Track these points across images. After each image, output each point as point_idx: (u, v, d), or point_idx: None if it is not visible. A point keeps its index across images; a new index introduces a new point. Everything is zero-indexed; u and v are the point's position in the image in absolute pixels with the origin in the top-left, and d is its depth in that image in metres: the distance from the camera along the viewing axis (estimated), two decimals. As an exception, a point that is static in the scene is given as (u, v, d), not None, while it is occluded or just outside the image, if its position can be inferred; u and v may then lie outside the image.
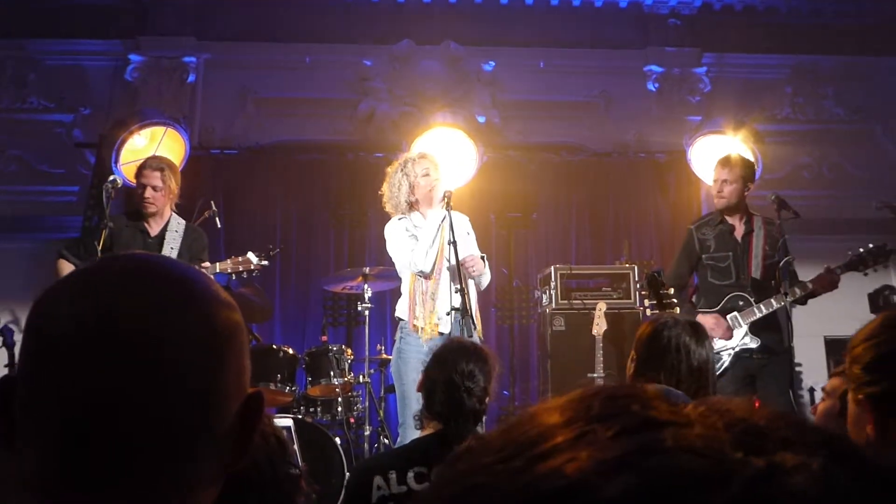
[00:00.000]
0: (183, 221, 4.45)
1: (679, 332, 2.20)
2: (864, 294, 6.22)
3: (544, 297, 5.57)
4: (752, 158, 5.99)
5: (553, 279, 5.45)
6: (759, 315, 4.14)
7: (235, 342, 0.73)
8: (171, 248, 4.28)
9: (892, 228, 4.64)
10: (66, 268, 4.18)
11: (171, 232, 4.33)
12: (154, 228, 4.35)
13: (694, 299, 4.45)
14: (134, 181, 4.51)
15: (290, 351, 5.04)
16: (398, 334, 4.07)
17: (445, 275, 3.99)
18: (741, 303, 4.22)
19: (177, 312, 0.70)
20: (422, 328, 3.88)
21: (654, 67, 7.55)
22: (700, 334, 2.24)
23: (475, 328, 3.80)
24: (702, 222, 4.53)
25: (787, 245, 4.32)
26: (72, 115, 7.22)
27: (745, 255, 4.29)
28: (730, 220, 4.39)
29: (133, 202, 4.67)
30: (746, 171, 4.37)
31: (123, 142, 6.08)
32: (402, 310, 4.08)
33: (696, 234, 4.45)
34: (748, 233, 4.34)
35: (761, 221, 4.37)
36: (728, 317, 4.21)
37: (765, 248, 4.28)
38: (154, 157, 4.55)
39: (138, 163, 4.89)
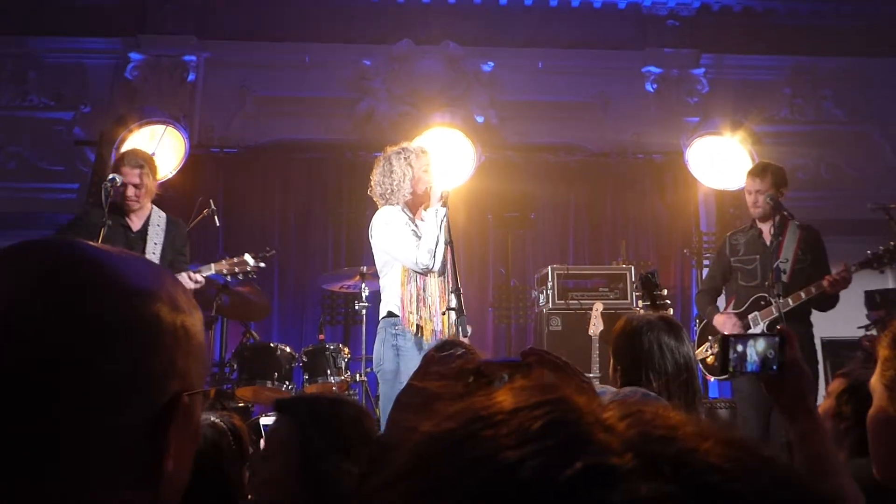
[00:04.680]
0: (164, 214, 4.37)
1: (658, 334, 2.19)
2: (860, 296, 6.23)
3: (541, 296, 5.59)
4: (749, 160, 6.03)
5: (550, 279, 5.47)
6: (776, 314, 4.19)
7: (126, 334, 0.69)
8: (154, 244, 4.24)
9: (886, 229, 4.64)
10: None
11: (153, 226, 4.28)
12: (136, 223, 4.28)
13: (733, 305, 4.50)
14: (112, 174, 4.33)
15: (288, 349, 5.06)
16: (391, 330, 3.83)
17: (446, 275, 3.95)
18: (763, 303, 4.32)
19: (34, 296, 0.68)
20: (422, 327, 3.76)
21: (653, 68, 7.57)
22: (677, 331, 2.23)
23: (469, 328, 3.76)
24: (738, 229, 4.71)
25: (817, 244, 4.39)
26: (72, 113, 7.25)
27: (774, 258, 4.34)
28: (760, 224, 4.50)
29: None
30: (778, 178, 4.44)
31: (123, 140, 6.11)
32: (394, 305, 3.87)
33: (729, 240, 4.63)
34: (778, 235, 4.40)
35: (796, 225, 4.43)
36: (749, 316, 4.33)
37: (797, 252, 4.34)
38: (132, 153, 4.40)
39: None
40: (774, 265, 4.23)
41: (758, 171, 4.49)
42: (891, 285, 6.98)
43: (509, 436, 0.39)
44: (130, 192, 4.18)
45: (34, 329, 0.66)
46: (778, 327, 1.48)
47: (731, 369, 1.43)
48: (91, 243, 0.75)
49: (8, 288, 0.68)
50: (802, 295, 4.19)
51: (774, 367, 1.42)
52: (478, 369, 1.16)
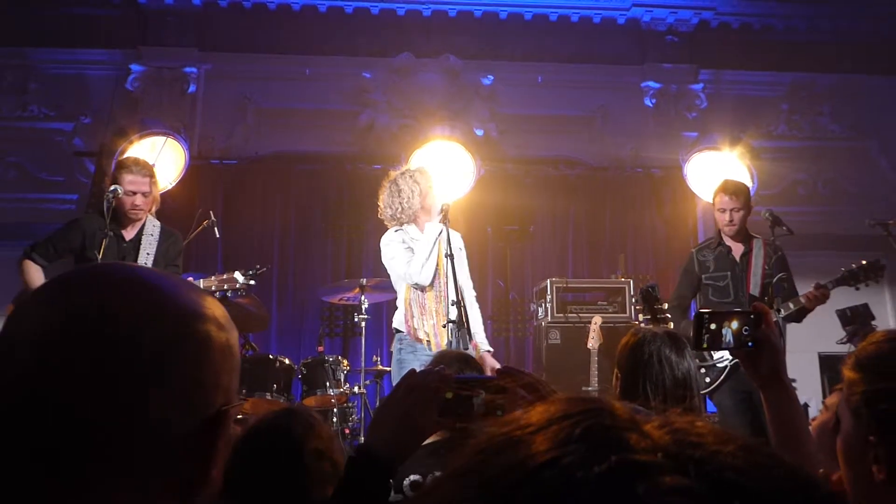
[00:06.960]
0: (158, 224, 4.29)
1: (659, 346, 2.19)
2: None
3: (540, 310, 5.60)
4: (747, 175, 6.07)
5: (549, 292, 5.47)
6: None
7: (182, 352, 0.74)
8: (146, 254, 4.16)
9: (884, 245, 4.66)
10: (31, 269, 4.06)
11: (146, 236, 4.20)
12: (129, 232, 4.20)
13: None
14: (112, 184, 4.24)
15: (287, 361, 5.05)
16: (396, 345, 4.06)
17: (442, 288, 4.00)
18: None
19: (98, 317, 0.72)
20: (426, 340, 3.92)
21: (652, 83, 7.62)
22: (680, 345, 2.23)
23: (470, 340, 3.80)
24: (703, 245, 4.68)
25: (785, 260, 4.39)
26: (72, 124, 7.26)
27: (744, 274, 4.37)
28: (729, 241, 4.49)
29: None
30: (749, 195, 4.48)
31: (123, 151, 6.11)
32: (399, 321, 4.07)
33: (696, 256, 4.58)
34: (747, 252, 4.42)
35: (761, 240, 4.45)
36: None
37: (764, 266, 4.35)
38: (139, 162, 4.28)
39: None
40: (775, 279, 4.23)
41: (731, 189, 4.46)
42: (888, 299, 7.00)
43: (552, 438, 0.44)
44: (139, 200, 4.12)
45: (100, 345, 0.71)
46: (753, 304, 1.51)
47: (704, 346, 1.47)
48: (144, 267, 0.83)
49: (74, 311, 0.73)
50: (782, 311, 4.19)
51: (750, 344, 1.46)
52: (456, 386, 1.18)
